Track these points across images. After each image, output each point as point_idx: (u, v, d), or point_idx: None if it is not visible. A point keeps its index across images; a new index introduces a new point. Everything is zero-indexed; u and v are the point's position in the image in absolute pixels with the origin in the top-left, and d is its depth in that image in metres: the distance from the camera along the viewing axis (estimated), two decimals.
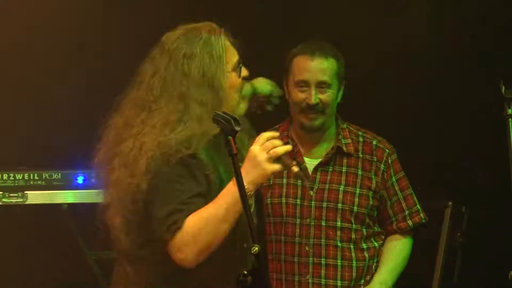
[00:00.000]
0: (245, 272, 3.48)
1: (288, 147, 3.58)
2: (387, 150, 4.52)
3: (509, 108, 4.05)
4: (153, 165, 3.60)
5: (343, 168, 4.48)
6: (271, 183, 4.47)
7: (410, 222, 4.48)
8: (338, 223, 4.39)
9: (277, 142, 3.58)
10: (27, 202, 5.17)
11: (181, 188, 3.64)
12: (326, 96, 4.44)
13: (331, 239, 4.39)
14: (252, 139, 3.95)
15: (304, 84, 4.45)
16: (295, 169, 3.55)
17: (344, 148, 4.49)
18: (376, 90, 5.71)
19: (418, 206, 4.50)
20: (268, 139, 3.64)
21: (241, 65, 3.88)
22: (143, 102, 3.71)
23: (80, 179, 5.20)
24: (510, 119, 4.04)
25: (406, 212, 4.47)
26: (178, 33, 3.88)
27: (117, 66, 4.11)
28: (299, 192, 4.46)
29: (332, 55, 4.48)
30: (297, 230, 4.41)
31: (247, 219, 3.53)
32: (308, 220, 4.41)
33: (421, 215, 4.50)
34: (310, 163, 4.50)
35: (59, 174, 5.19)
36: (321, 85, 4.44)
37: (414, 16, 5.62)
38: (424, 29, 5.60)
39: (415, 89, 5.71)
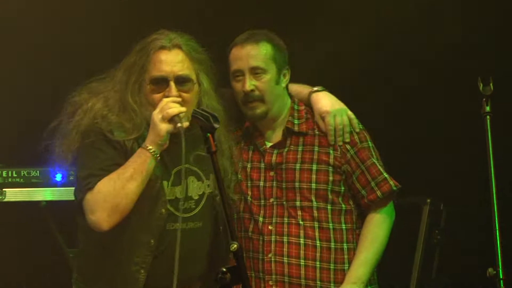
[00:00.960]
0: (224, 269, 3.49)
1: (181, 109, 3.93)
2: None
3: (487, 105, 4.06)
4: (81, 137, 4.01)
5: (299, 147, 4.41)
6: (240, 177, 4.44)
7: (379, 193, 4.31)
8: (298, 203, 4.32)
9: (172, 104, 3.93)
10: (5, 200, 5.18)
11: (101, 156, 3.98)
12: (262, 82, 4.34)
13: (293, 217, 4.32)
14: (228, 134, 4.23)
15: (239, 73, 4.36)
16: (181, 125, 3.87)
17: (296, 128, 4.43)
18: (359, 88, 5.69)
19: (384, 174, 4.33)
20: (166, 102, 3.93)
21: (167, 84, 4.02)
22: (98, 90, 4.14)
23: (58, 177, 5.19)
24: (487, 117, 4.05)
25: (372, 183, 4.32)
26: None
27: (99, 67, 4.20)
28: (262, 174, 4.41)
29: (265, 39, 4.38)
30: (262, 211, 4.36)
31: (225, 216, 3.58)
32: (271, 200, 4.37)
33: (391, 182, 4.32)
34: (270, 146, 4.46)
35: (38, 171, 5.19)
36: (255, 71, 4.33)
37: None
38: None
39: (397, 88, 5.72)
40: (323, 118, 4.40)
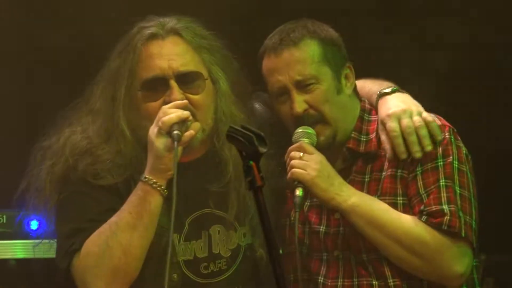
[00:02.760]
0: None
1: (184, 113, 3.03)
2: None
3: None
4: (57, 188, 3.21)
5: (366, 176, 3.41)
6: (292, 220, 3.40)
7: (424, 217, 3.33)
8: (364, 256, 3.36)
9: (171, 110, 3.03)
10: None
11: (88, 202, 3.12)
12: (316, 95, 3.32)
13: (363, 276, 3.38)
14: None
15: (282, 91, 3.36)
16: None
17: (362, 148, 3.39)
18: None
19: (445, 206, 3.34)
20: (164, 110, 3.03)
21: (165, 85, 3.10)
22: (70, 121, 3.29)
23: (33, 225, 4.06)
24: None
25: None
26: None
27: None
28: (323, 216, 3.41)
29: (307, 35, 3.36)
30: (323, 268, 3.38)
31: (276, 277, 2.55)
32: (335, 253, 3.38)
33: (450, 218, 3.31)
34: None
35: (4, 216, 4.21)
36: (303, 84, 3.32)
37: None
38: None
39: None
40: (383, 126, 3.36)
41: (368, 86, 3.50)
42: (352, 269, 3.34)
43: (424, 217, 3.26)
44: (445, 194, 3.27)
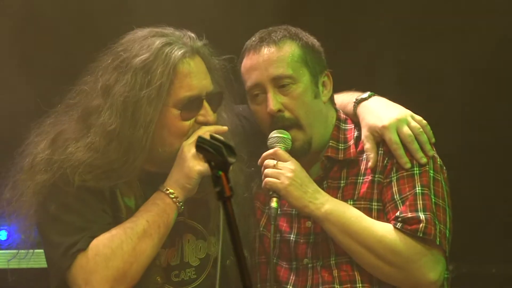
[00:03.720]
0: None
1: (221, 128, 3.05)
2: None
3: None
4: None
5: (341, 181, 3.40)
6: (262, 230, 3.40)
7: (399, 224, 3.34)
8: (332, 260, 3.36)
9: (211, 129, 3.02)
10: None
11: (82, 207, 3.05)
12: (293, 97, 3.30)
13: (327, 283, 3.35)
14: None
15: (257, 90, 3.34)
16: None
17: (340, 156, 3.38)
18: None
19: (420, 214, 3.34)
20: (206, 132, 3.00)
21: (203, 105, 3.10)
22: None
23: (2, 235, 3.94)
24: None
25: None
26: (133, 37, 3.17)
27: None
28: (294, 225, 3.40)
29: (287, 37, 3.34)
30: (292, 277, 3.35)
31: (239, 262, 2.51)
32: (305, 262, 3.36)
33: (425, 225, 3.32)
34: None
35: None
36: (280, 82, 3.30)
37: None
38: None
39: None
40: (381, 137, 3.33)
41: (341, 97, 3.48)
42: (319, 276, 3.31)
43: (399, 224, 3.23)
44: (421, 202, 3.26)
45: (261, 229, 3.38)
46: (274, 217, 3.23)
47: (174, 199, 3.03)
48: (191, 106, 3.11)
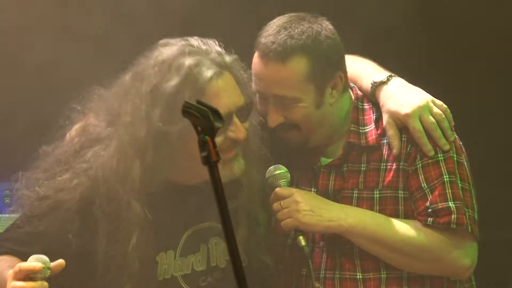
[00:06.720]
0: None
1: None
2: None
3: None
4: None
5: (362, 165, 3.33)
6: None
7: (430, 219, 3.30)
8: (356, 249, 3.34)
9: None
10: None
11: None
12: (293, 113, 3.24)
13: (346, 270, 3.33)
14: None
15: (260, 95, 3.29)
16: None
17: (363, 141, 3.30)
18: None
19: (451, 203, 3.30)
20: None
21: (232, 121, 3.05)
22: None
23: None
24: None
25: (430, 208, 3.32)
26: (158, 58, 3.11)
27: None
28: None
29: (299, 52, 3.19)
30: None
31: (235, 272, 2.39)
32: (321, 244, 3.34)
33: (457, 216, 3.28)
34: (326, 164, 3.38)
35: None
36: (282, 100, 3.23)
37: None
38: None
39: None
40: (403, 124, 3.27)
41: (351, 65, 3.38)
42: (335, 261, 3.27)
43: (430, 219, 3.18)
44: (450, 191, 3.20)
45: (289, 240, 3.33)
46: (309, 254, 3.21)
47: None
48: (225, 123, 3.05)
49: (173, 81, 3.03)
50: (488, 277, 3.58)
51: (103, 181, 3.05)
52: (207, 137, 2.51)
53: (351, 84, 3.40)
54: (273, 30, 3.23)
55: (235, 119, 3.09)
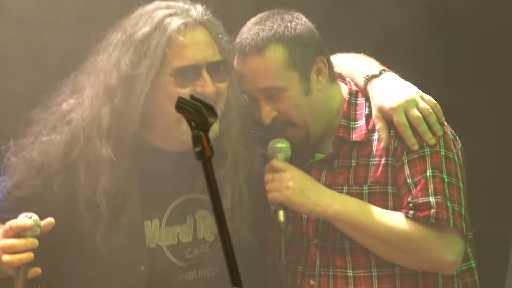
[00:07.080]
0: None
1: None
2: None
3: None
4: None
5: (352, 160, 3.32)
6: None
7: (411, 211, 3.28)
8: (346, 244, 3.34)
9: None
10: None
11: None
12: (283, 103, 3.24)
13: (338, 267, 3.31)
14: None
15: (249, 96, 3.30)
16: None
17: (353, 136, 3.30)
18: None
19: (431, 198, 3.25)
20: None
21: (201, 75, 3.06)
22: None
23: None
24: None
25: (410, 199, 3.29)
26: (141, 11, 3.18)
27: None
28: None
29: (273, 41, 3.23)
30: (302, 257, 3.31)
31: (226, 254, 2.40)
32: (315, 241, 3.32)
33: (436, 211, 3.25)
34: (319, 160, 3.38)
35: None
36: (268, 93, 3.24)
37: None
38: None
39: None
40: (390, 118, 3.25)
41: (347, 63, 3.38)
42: (328, 258, 3.25)
43: (410, 212, 3.15)
44: (432, 185, 3.17)
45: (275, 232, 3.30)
46: (284, 230, 3.20)
47: None
48: (186, 74, 3.06)
49: (145, 29, 3.10)
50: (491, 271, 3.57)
51: (82, 130, 3.11)
52: (201, 133, 2.51)
53: (347, 78, 3.41)
54: (247, 29, 3.29)
55: (204, 74, 3.09)
